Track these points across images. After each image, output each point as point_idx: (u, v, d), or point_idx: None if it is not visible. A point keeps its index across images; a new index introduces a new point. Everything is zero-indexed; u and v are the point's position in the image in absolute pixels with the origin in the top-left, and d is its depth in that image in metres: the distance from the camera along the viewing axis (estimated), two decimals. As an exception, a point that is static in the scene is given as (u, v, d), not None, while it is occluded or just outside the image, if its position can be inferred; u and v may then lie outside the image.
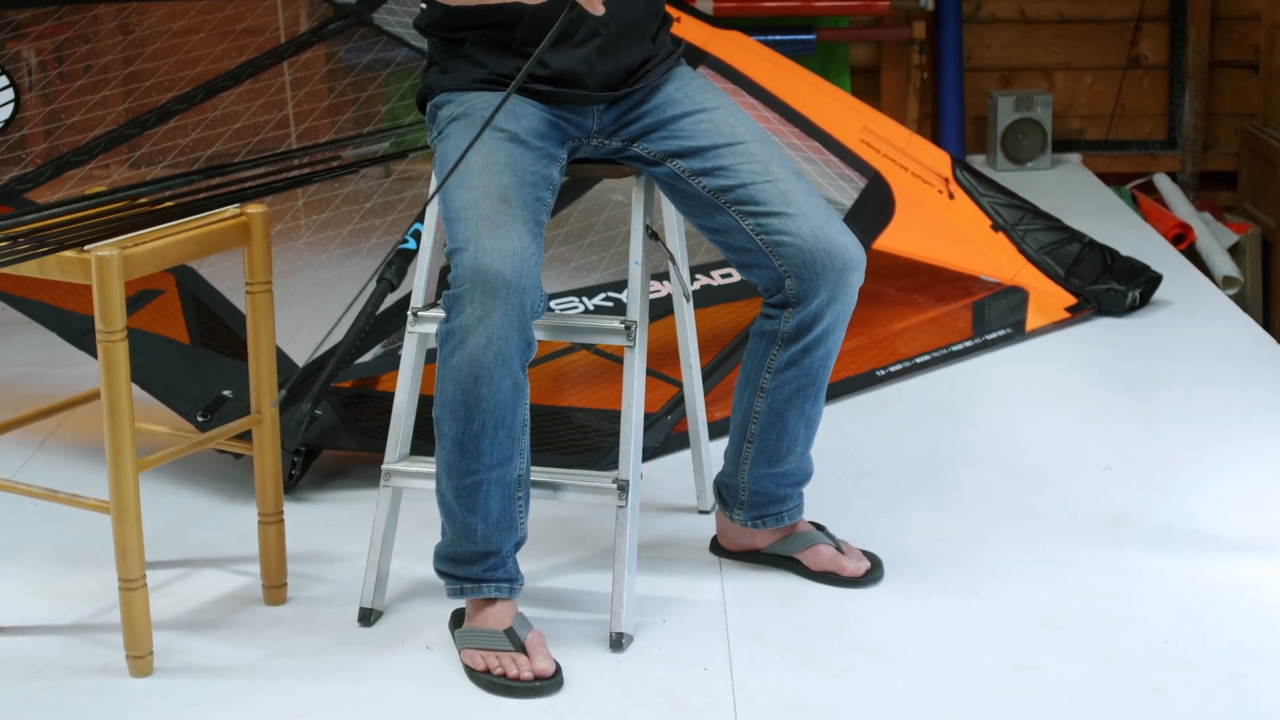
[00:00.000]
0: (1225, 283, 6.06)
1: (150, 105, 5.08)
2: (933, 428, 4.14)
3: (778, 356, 3.17)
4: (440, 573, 3.05)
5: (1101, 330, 4.85)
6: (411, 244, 4.18)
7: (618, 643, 3.03)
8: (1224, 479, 3.77)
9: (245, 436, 3.25)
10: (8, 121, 4.88)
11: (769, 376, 3.18)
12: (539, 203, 3.00)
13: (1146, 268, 5.03)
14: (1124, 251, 5.12)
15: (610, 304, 4.48)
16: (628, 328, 3.10)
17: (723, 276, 4.69)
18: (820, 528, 3.36)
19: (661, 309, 4.07)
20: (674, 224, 3.37)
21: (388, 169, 5.80)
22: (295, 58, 5.37)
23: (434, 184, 3.22)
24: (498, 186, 2.95)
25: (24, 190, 4.54)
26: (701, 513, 3.61)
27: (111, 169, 5.15)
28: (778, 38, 6.69)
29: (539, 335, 3.01)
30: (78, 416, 3.99)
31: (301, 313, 4.50)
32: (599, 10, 2.82)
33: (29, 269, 3.01)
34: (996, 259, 5.01)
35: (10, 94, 4.95)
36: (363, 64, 5.65)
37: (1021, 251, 5.05)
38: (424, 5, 3.25)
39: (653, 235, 3.23)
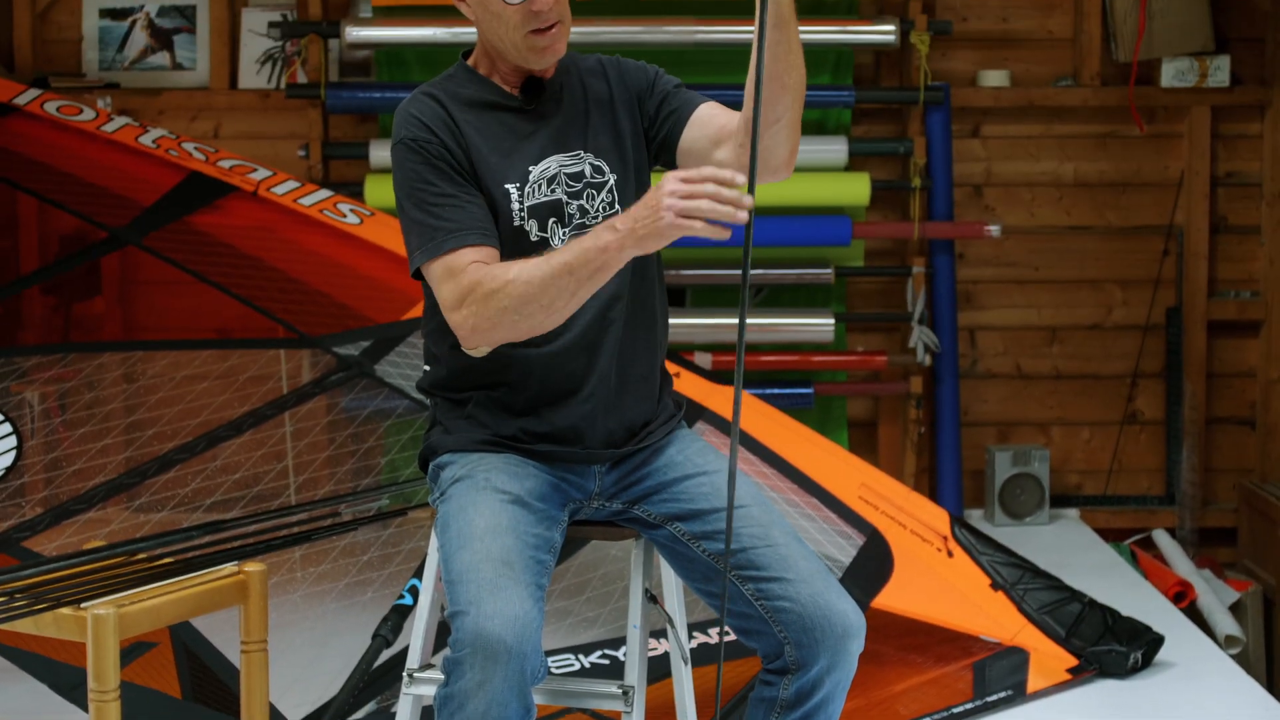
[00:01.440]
0: (1228, 642, 6.01)
1: (152, 454, 5.10)
2: (935, 795, 4.06)
3: (777, 724, 3.12)
4: None
5: (1104, 693, 4.79)
6: (408, 600, 4.16)
7: None
8: None
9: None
10: (9, 469, 4.90)
11: (768, 745, 3.13)
12: (540, 566, 2.99)
13: (1148, 629, 5.00)
14: (1125, 611, 5.09)
15: (606, 661, 4.43)
16: (625, 693, 3.06)
17: (720, 635, 4.65)
18: None
19: (659, 670, 4.02)
20: (672, 585, 3.35)
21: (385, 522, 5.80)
22: (297, 408, 5.42)
23: (433, 544, 3.21)
24: (500, 549, 2.94)
25: (22, 539, 4.54)
26: None
27: (110, 514, 5.15)
28: (776, 391, 6.75)
29: (536, 699, 2.97)
30: (64, 773, 3.93)
31: (296, 666, 4.45)
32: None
33: (25, 625, 2.99)
34: (996, 618, 4.98)
35: (13, 440, 4.98)
36: (364, 415, 5.70)
37: (1022, 611, 5.02)
38: (427, 368, 3.29)
39: (651, 599, 3.21)
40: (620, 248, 2.88)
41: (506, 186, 3.13)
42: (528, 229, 3.13)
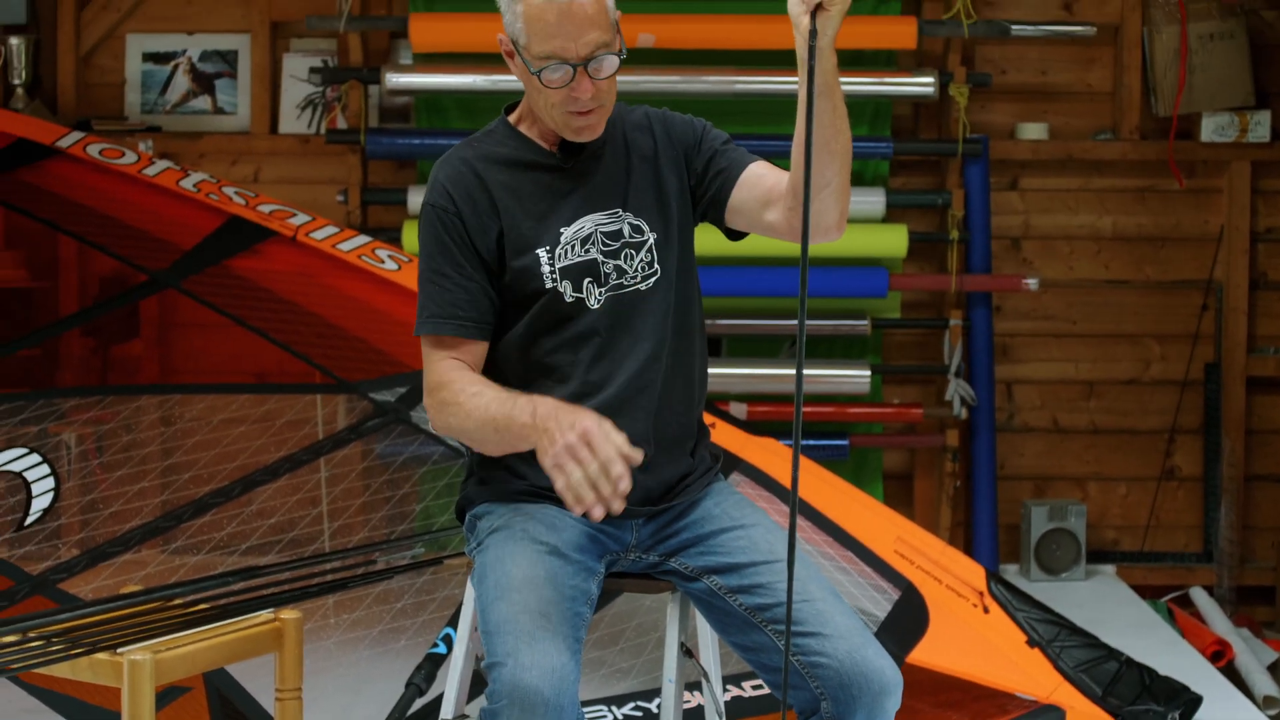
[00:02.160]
0: (1266, 703, 5.96)
1: (188, 498, 5.11)
2: None
3: (813, 781, 3.10)
4: None
5: (1140, 752, 4.76)
6: (442, 648, 4.15)
7: None
8: None
9: None
10: (46, 510, 4.91)
11: (803, 803, 3.11)
12: (578, 618, 2.99)
13: (1186, 689, 4.96)
14: (1162, 669, 5.05)
15: (639, 714, 4.42)
16: (660, 747, 3.05)
17: (754, 688, 4.63)
18: None
19: (693, 723, 4.01)
20: (708, 639, 3.34)
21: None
22: (333, 454, 5.42)
23: (469, 594, 3.20)
24: (538, 601, 2.93)
25: (58, 580, 4.55)
26: None
27: (145, 557, 5.16)
28: (811, 443, 6.73)
29: (569, 751, 2.95)
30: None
31: (329, 713, 4.45)
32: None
33: (61, 669, 2.99)
34: (1032, 675, 4.95)
35: (51, 482, 5.00)
36: (399, 461, 5.69)
37: (1058, 668, 4.98)
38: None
39: (687, 652, 3.20)
40: (528, 437, 2.91)
41: (537, 251, 3.13)
42: (561, 290, 3.14)
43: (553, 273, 3.13)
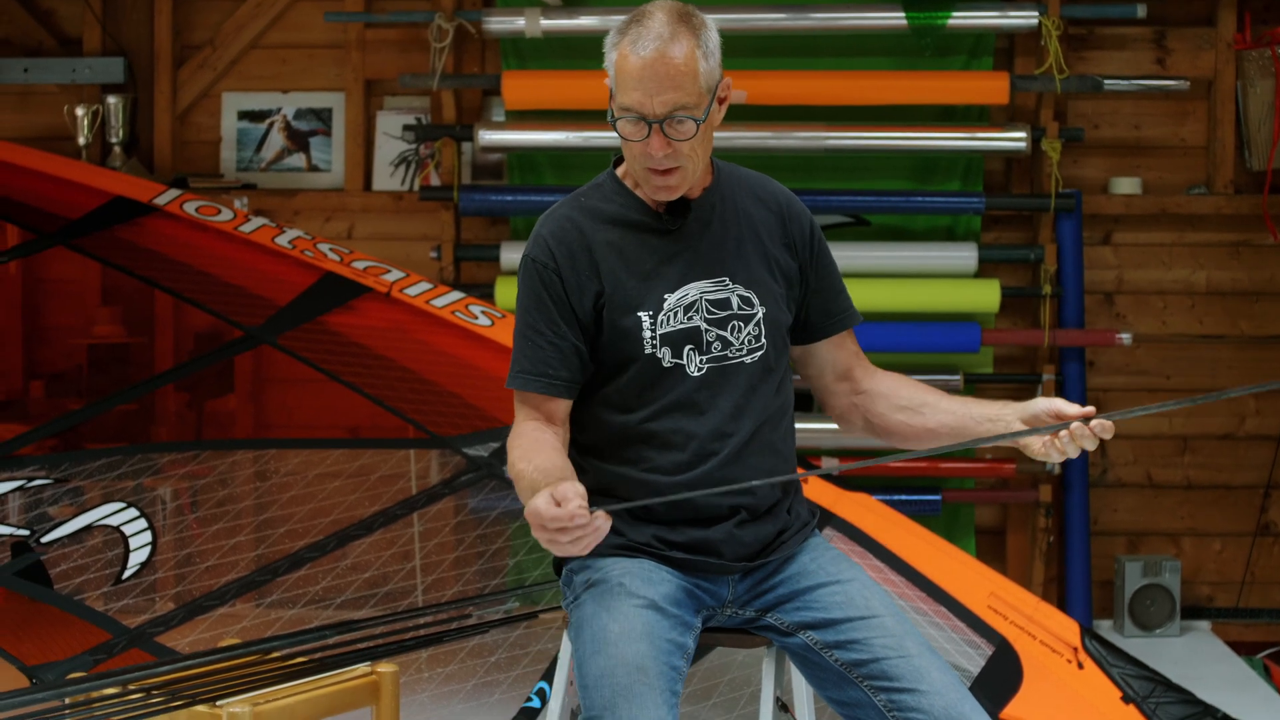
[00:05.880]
0: (1365, 762, 5.89)
1: (283, 552, 5.15)
2: None
3: (907, 838, 3.08)
4: None
5: (1238, 811, 4.71)
6: (535, 702, 4.15)
7: None
8: None
9: None
10: (143, 564, 4.96)
11: None
12: (674, 672, 2.99)
13: (1284, 747, 4.91)
14: (1260, 728, 5.01)
15: (734, 769, 4.40)
16: (756, 803, 3.04)
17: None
18: None
19: (788, 778, 3.99)
20: (803, 695, 3.33)
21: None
22: (426, 509, 5.44)
23: (565, 648, 3.21)
24: (634, 655, 2.94)
25: (155, 634, 4.59)
26: None
27: (240, 611, 5.20)
28: (903, 498, 6.71)
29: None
30: None
31: (422, 767, 4.46)
32: None
33: (159, 722, 3.02)
34: (1128, 733, 4.91)
35: (148, 536, 5.05)
36: (492, 516, 5.71)
37: (1154, 726, 4.94)
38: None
39: (782, 707, 3.20)
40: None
41: (639, 314, 3.14)
42: (660, 356, 3.14)
43: (653, 338, 3.14)
